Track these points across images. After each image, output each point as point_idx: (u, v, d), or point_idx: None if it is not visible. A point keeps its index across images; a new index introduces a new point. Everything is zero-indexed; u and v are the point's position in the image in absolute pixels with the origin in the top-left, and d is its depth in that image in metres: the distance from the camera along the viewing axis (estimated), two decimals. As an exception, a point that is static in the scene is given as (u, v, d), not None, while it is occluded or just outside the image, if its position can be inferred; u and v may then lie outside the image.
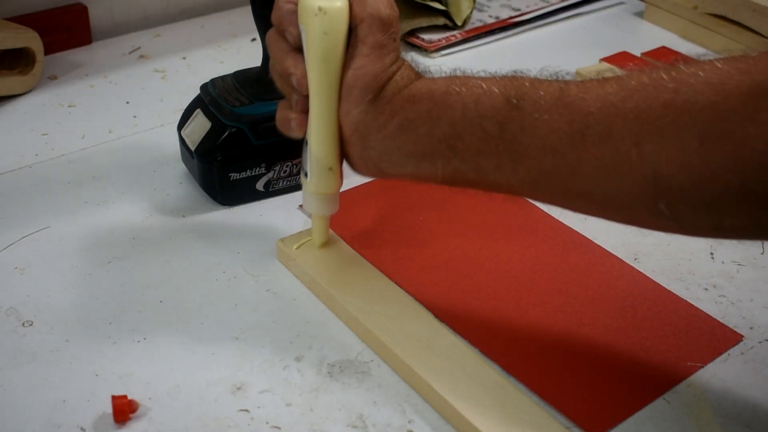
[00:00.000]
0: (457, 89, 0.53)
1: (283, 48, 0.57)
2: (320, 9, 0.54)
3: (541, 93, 0.51)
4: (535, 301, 0.62)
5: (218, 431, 0.53)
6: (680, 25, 1.05)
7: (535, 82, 0.52)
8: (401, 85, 0.55)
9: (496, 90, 0.52)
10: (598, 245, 0.67)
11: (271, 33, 0.59)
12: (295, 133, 0.60)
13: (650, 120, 0.47)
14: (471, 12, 1.04)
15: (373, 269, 0.64)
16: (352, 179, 0.76)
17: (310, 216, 0.65)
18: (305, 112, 0.58)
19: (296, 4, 0.56)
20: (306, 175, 0.60)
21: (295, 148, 0.71)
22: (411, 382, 0.56)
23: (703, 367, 0.58)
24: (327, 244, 0.66)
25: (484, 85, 0.53)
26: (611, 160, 0.49)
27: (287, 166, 0.72)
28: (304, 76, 0.56)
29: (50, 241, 0.68)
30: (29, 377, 0.56)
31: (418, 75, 0.57)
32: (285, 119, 0.60)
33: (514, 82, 0.53)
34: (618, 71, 0.52)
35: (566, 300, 0.62)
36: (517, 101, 0.51)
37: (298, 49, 0.57)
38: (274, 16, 0.58)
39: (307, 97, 0.57)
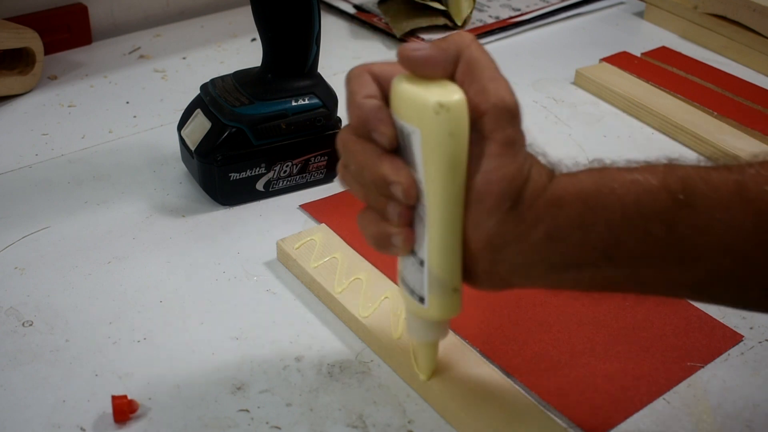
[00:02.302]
0: (610, 186, 0.45)
1: (373, 151, 0.47)
2: (441, 105, 0.44)
3: (714, 186, 0.44)
4: (535, 301, 0.62)
5: (218, 431, 0.53)
6: (680, 25, 1.05)
7: (703, 172, 0.45)
8: (540, 186, 0.46)
9: (655, 182, 0.45)
10: (598, 245, 0.67)
11: (346, 135, 0.48)
12: (398, 252, 0.49)
13: None
14: (471, 12, 1.04)
15: (374, 270, 0.64)
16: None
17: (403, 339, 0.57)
18: (411, 224, 0.48)
19: (379, 98, 0.47)
20: (421, 300, 0.49)
21: (294, 149, 0.72)
22: (411, 382, 0.56)
23: (703, 367, 0.58)
24: (328, 244, 0.66)
25: (640, 179, 0.45)
26: None
27: (287, 166, 0.72)
28: (413, 184, 0.46)
29: (50, 241, 0.68)
30: (29, 377, 0.56)
31: (553, 170, 0.47)
32: (383, 236, 0.48)
33: (675, 172, 0.45)
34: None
35: (566, 300, 0.62)
36: (685, 197, 0.44)
37: (393, 151, 0.47)
38: (354, 115, 0.47)
39: (412, 207, 0.47)
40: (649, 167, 0.46)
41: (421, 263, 0.48)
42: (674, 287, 0.47)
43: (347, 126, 0.48)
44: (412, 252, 0.49)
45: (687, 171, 0.45)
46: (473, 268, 0.48)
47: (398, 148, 0.47)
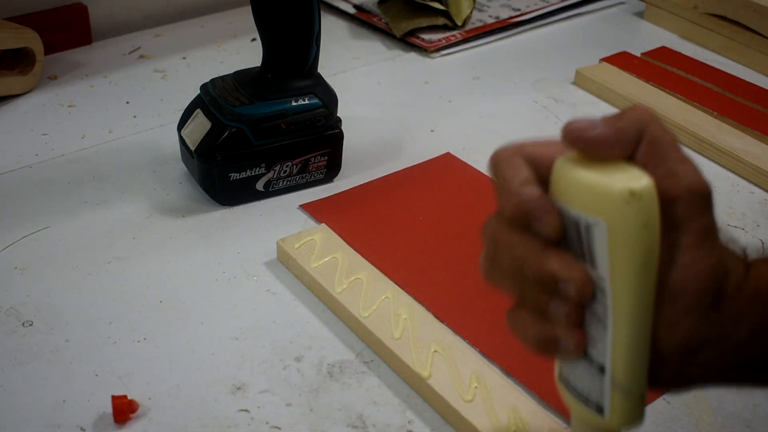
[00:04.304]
0: None
1: (534, 244, 0.40)
2: (633, 194, 0.37)
3: None
4: (535, 301, 0.62)
5: (218, 431, 0.53)
6: (680, 25, 1.05)
7: None
8: (740, 278, 0.41)
9: None
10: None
11: (497, 226, 0.42)
12: (568, 356, 0.42)
13: None
14: (471, 12, 1.04)
15: (374, 270, 0.64)
16: (353, 179, 0.76)
17: None
18: (581, 325, 0.41)
19: (536, 184, 0.40)
20: (599, 409, 0.42)
21: (294, 149, 0.72)
22: (411, 382, 0.56)
23: (703, 367, 0.58)
24: (328, 244, 0.66)
25: None
26: None
27: (287, 166, 0.72)
28: (588, 281, 0.39)
29: (50, 241, 0.68)
30: (29, 377, 0.56)
31: (746, 257, 0.42)
32: (549, 338, 0.41)
33: None
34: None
35: (566, 300, 0.62)
36: None
37: (557, 243, 0.40)
38: (511, 205, 0.40)
39: (582, 307, 0.41)
40: None
41: (600, 369, 0.41)
42: None
43: (496, 216, 0.42)
44: (584, 355, 0.42)
45: None
46: (659, 371, 0.41)
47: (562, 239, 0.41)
